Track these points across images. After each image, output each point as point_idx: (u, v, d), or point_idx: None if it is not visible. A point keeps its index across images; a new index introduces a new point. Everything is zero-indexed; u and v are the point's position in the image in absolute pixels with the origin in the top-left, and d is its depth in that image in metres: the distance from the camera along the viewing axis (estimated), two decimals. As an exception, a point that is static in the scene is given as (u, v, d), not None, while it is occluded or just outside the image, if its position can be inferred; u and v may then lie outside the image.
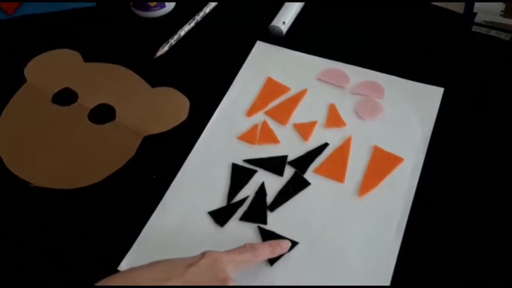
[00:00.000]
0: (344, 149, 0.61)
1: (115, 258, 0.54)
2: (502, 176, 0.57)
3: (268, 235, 0.55)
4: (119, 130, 0.64)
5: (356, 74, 0.67)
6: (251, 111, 0.65)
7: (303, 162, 0.60)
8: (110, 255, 0.54)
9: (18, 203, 0.59)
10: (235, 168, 0.60)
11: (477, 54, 0.68)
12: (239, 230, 0.56)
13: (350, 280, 0.51)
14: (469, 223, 0.54)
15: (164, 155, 0.62)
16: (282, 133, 0.63)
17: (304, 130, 0.63)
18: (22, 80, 0.70)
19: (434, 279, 0.51)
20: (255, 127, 0.64)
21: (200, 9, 0.76)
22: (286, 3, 0.75)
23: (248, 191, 0.58)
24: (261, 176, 0.59)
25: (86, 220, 0.57)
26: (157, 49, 0.72)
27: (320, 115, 0.64)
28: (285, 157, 0.61)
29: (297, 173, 0.59)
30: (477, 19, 0.69)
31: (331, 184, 0.58)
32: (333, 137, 0.62)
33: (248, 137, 0.63)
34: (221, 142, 0.63)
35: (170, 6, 0.77)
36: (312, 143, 0.62)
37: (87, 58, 0.72)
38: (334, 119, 0.64)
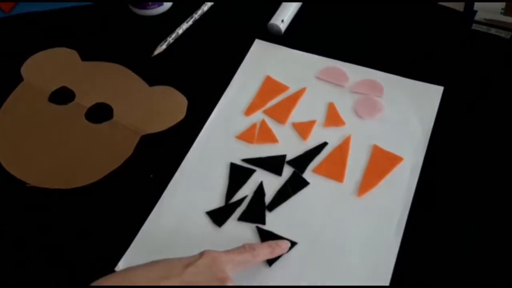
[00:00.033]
0: (343, 148, 0.60)
1: (113, 258, 0.54)
2: (502, 175, 0.57)
3: (266, 236, 0.55)
4: (116, 129, 0.64)
5: (355, 73, 0.67)
6: (249, 110, 0.65)
7: (302, 161, 0.60)
8: (108, 255, 0.54)
9: (15, 203, 0.59)
10: (233, 167, 0.60)
11: (477, 52, 0.68)
12: (237, 230, 0.55)
13: (350, 280, 0.51)
14: (469, 222, 0.54)
15: (162, 155, 0.62)
16: (280, 132, 0.63)
17: (303, 129, 0.63)
18: (18, 79, 0.70)
19: (434, 279, 0.51)
20: (253, 126, 0.63)
21: (198, 7, 0.76)
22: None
23: (247, 190, 0.58)
24: (260, 176, 0.59)
25: (84, 220, 0.57)
26: (155, 48, 0.72)
27: (319, 114, 0.64)
28: (284, 156, 0.61)
29: (295, 173, 0.59)
30: (477, 17, 0.69)
31: (330, 183, 0.58)
32: (332, 136, 0.62)
33: (246, 136, 0.63)
34: (219, 141, 0.62)
35: (168, 4, 0.77)
36: (311, 143, 0.61)
37: (85, 56, 0.72)
38: (333, 118, 0.63)
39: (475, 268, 0.51)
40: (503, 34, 0.69)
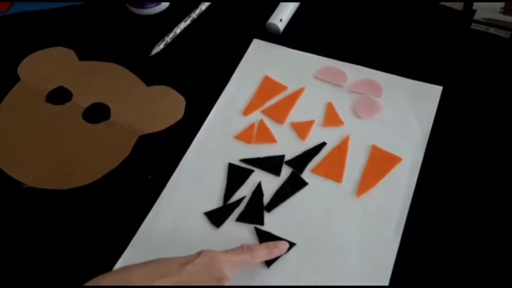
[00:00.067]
0: (342, 148, 0.60)
1: (111, 259, 0.53)
2: (501, 175, 0.57)
3: (265, 236, 0.54)
4: (114, 130, 0.64)
5: (354, 73, 0.67)
6: (247, 110, 0.65)
7: (301, 161, 0.60)
8: (106, 255, 0.54)
9: (13, 204, 0.59)
10: (232, 168, 0.60)
11: (476, 52, 0.68)
12: (236, 231, 0.55)
13: (349, 281, 0.51)
14: (468, 223, 0.54)
15: (160, 155, 0.62)
16: (279, 132, 0.62)
17: (302, 129, 0.62)
18: (15, 79, 0.70)
19: (433, 279, 0.51)
20: (251, 126, 0.63)
21: (196, 6, 0.76)
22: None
23: (245, 191, 0.58)
24: (258, 176, 0.59)
25: (82, 221, 0.57)
26: (152, 47, 0.71)
27: (317, 114, 0.64)
28: (282, 156, 0.60)
29: (294, 173, 0.59)
30: (476, 16, 0.69)
31: (328, 184, 0.58)
32: (331, 136, 0.61)
33: (244, 136, 0.62)
34: (217, 141, 0.62)
35: (165, 3, 0.77)
36: (309, 143, 0.61)
37: (82, 56, 0.72)
38: (331, 118, 0.63)
39: (474, 268, 0.51)
40: (502, 33, 0.69)
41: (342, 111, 0.63)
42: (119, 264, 0.53)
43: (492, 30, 0.69)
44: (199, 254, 0.47)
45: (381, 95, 0.64)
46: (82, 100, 0.67)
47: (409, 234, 0.53)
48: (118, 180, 0.60)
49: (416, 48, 0.69)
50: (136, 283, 0.44)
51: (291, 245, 0.53)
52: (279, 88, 0.66)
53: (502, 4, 0.66)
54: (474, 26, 0.70)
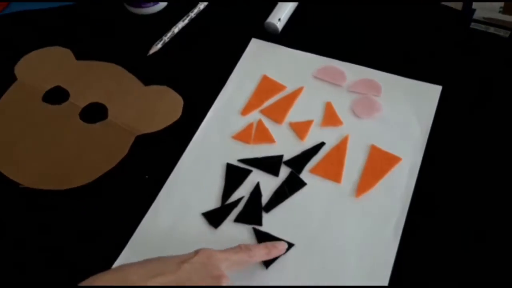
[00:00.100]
0: (340, 148, 0.60)
1: (109, 259, 0.53)
2: (501, 175, 0.57)
3: (263, 237, 0.54)
4: (111, 129, 0.63)
5: (353, 72, 0.66)
6: (246, 110, 0.64)
7: (299, 161, 0.59)
8: (104, 255, 0.53)
9: (9, 204, 0.59)
10: (230, 168, 0.59)
11: (475, 51, 0.68)
12: (234, 232, 0.55)
13: (348, 281, 0.51)
14: (467, 223, 0.54)
15: (157, 155, 0.61)
16: (277, 132, 0.62)
17: (300, 129, 0.62)
18: (12, 78, 0.69)
19: (433, 279, 0.51)
20: (250, 126, 0.63)
21: (194, 5, 0.75)
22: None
23: (243, 191, 0.58)
24: (256, 176, 0.59)
25: (79, 221, 0.57)
26: (150, 47, 0.71)
27: (316, 114, 0.63)
28: (281, 156, 0.60)
29: (293, 173, 0.58)
30: (476, 15, 0.68)
31: (327, 184, 0.57)
32: (330, 136, 0.61)
33: (243, 136, 0.62)
34: (215, 141, 0.62)
35: (163, 2, 0.76)
36: (308, 143, 0.61)
37: (79, 56, 0.71)
38: (330, 117, 0.63)
39: (474, 268, 0.51)
40: (501, 32, 0.68)
41: (341, 111, 0.63)
42: (116, 265, 0.53)
43: (491, 30, 0.69)
44: (196, 252, 0.47)
45: (380, 94, 0.64)
46: (79, 99, 0.67)
47: (408, 234, 0.53)
48: (115, 181, 0.59)
49: (416, 47, 0.69)
50: (133, 282, 0.43)
51: (290, 245, 0.53)
52: (278, 87, 0.66)
53: (501, 4, 0.66)
54: (473, 25, 0.70)
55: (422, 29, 0.71)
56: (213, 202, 0.57)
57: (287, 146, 0.61)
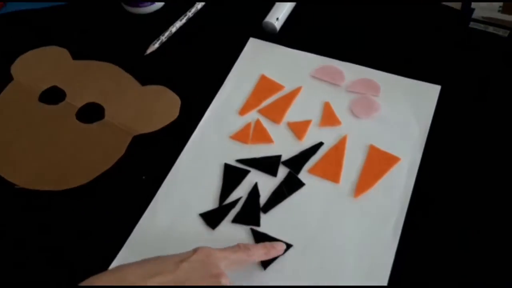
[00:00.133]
0: (339, 148, 0.60)
1: (107, 259, 0.53)
2: (500, 175, 0.57)
3: (261, 238, 0.54)
4: (108, 130, 0.63)
5: (352, 72, 0.66)
6: (244, 110, 0.64)
7: (297, 162, 0.59)
8: (102, 255, 0.53)
9: (6, 205, 0.58)
10: (228, 168, 0.59)
11: (474, 51, 0.67)
12: (231, 233, 0.54)
13: (347, 282, 0.50)
14: (466, 223, 0.54)
15: (154, 155, 0.61)
16: (275, 132, 0.62)
17: (298, 129, 0.62)
18: (8, 78, 0.69)
19: (432, 279, 0.50)
20: (248, 126, 0.62)
21: (192, 5, 0.75)
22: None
23: (241, 192, 0.57)
24: (254, 177, 0.58)
25: (76, 221, 0.57)
26: (147, 46, 0.71)
27: (314, 114, 0.63)
28: (279, 157, 0.60)
29: (291, 174, 0.58)
30: (475, 15, 0.68)
31: (326, 184, 0.57)
32: (328, 136, 0.61)
33: (240, 136, 0.62)
34: (213, 141, 0.62)
35: (160, 2, 0.76)
36: (306, 143, 0.61)
37: (76, 55, 0.71)
38: (329, 117, 0.62)
39: (473, 268, 0.51)
40: (500, 32, 0.68)
41: (340, 111, 0.63)
42: (114, 265, 0.53)
43: (490, 29, 0.69)
44: (195, 251, 0.46)
45: (379, 94, 0.64)
46: (76, 99, 0.66)
47: (407, 234, 0.53)
48: (112, 181, 0.59)
49: (414, 47, 0.69)
50: (131, 282, 0.43)
51: (288, 246, 0.53)
52: (276, 87, 0.66)
53: (500, 3, 0.66)
54: (472, 24, 0.69)
55: (421, 28, 0.71)
56: (210, 202, 0.57)
57: (285, 146, 0.60)
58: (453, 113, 0.62)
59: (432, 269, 0.51)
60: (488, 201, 0.55)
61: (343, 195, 0.56)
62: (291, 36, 0.71)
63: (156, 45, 0.71)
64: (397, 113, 0.62)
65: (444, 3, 0.72)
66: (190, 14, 0.74)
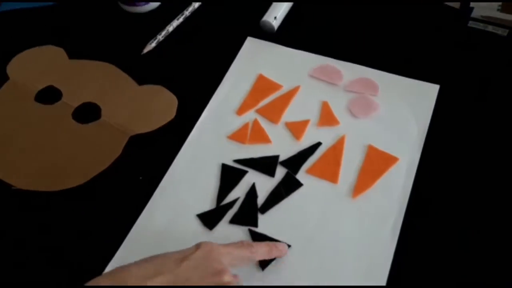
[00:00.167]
0: (337, 148, 0.59)
1: (104, 259, 0.53)
2: (499, 175, 0.57)
3: (259, 238, 0.53)
4: (104, 130, 0.63)
5: (350, 71, 0.66)
6: (241, 110, 0.64)
7: (295, 162, 0.59)
8: (100, 256, 0.53)
9: (2, 205, 0.58)
10: (225, 168, 0.59)
11: (473, 50, 0.67)
12: (229, 233, 0.54)
13: (345, 282, 0.50)
14: (465, 223, 0.54)
15: (151, 156, 0.61)
16: (273, 132, 0.62)
17: (296, 129, 0.61)
18: (4, 78, 0.69)
19: (431, 279, 0.50)
20: (245, 126, 0.62)
21: (189, 3, 0.75)
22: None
23: (239, 192, 0.57)
24: (252, 177, 0.58)
25: (73, 221, 0.56)
26: (144, 46, 0.71)
27: (312, 113, 0.63)
28: (277, 157, 0.59)
29: (289, 174, 0.58)
30: (474, 14, 0.68)
31: (324, 184, 0.57)
32: (326, 136, 0.61)
33: (238, 136, 0.61)
34: (211, 141, 0.61)
35: (157, 1, 0.76)
36: (304, 143, 0.60)
37: (72, 55, 0.71)
38: (327, 117, 0.62)
39: (472, 268, 0.51)
40: (500, 31, 0.68)
41: (338, 111, 0.63)
42: (110, 265, 0.52)
43: (490, 28, 0.68)
44: (198, 247, 0.46)
45: (377, 94, 0.64)
46: (72, 99, 0.66)
47: (406, 234, 0.53)
48: (109, 181, 0.59)
49: (413, 46, 0.68)
50: (132, 283, 0.42)
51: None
52: (274, 87, 0.66)
53: (499, 2, 0.66)
54: (471, 24, 0.69)
55: (419, 27, 0.70)
56: (208, 203, 0.56)
57: (283, 146, 0.60)
58: (452, 113, 0.61)
59: (430, 269, 0.51)
60: (487, 201, 0.55)
61: (341, 195, 0.56)
62: (289, 35, 0.71)
63: (153, 44, 0.71)
64: (395, 113, 0.62)
65: (444, 3, 0.72)
66: (187, 13, 0.74)
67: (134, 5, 0.74)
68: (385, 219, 0.54)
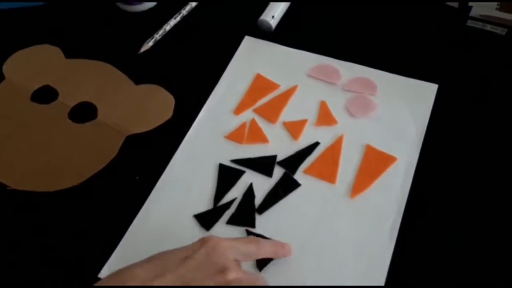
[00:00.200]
0: (335, 148, 0.59)
1: (102, 259, 0.53)
2: (498, 175, 0.56)
3: (256, 239, 0.53)
4: (101, 129, 0.62)
5: (348, 70, 0.66)
6: (239, 109, 0.63)
7: (293, 162, 0.59)
8: (95, 257, 0.53)
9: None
10: (222, 168, 0.58)
11: (472, 49, 0.67)
12: (226, 234, 0.53)
13: (344, 282, 0.50)
14: (464, 223, 0.53)
15: (148, 155, 0.60)
16: (271, 132, 0.61)
17: (294, 128, 0.61)
18: (0, 77, 0.68)
19: (429, 279, 0.50)
20: (243, 125, 0.62)
21: (187, 2, 0.75)
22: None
23: (236, 193, 0.57)
24: (249, 177, 0.58)
25: (68, 222, 0.56)
26: (141, 45, 0.70)
27: (310, 113, 0.63)
28: (274, 157, 0.59)
29: (286, 174, 0.58)
30: (472, 13, 0.68)
31: (322, 185, 0.57)
32: (324, 136, 0.60)
33: (235, 136, 0.61)
34: (208, 141, 0.61)
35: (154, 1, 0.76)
36: (302, 142, 0.60)
37: (68, 54, 0.70)
38: (325, 117, 0.62)
39: (470, 269, 0.51)
40: (498, 30, 0.68)
41: (336, 110, 0.62)
42: (104, 270, 0.52)
43: (488, 27, 0.68)
44: (202, 243, 0.44)
45: (376, 93, 0.63)
46: (69, 99, 0.66)
47: (404, 235, 0.53)
48: (105, 181, 0.58)
49: (411, 45, 0.68)
50: (135, 283, 0.42)
51: (284, 247, 0.52)
52: (271, 86, 0.65)
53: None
54: (470, 23, 0.69)
55: (418, 27, 0.70)
56: (205, 203, 0.56)
57: (281, 146, 0.60)
58: (451, 112, 0.61)
59: (429, 269, 0.51)
60: (485, 201, 0.55)
61: (340, 195, 0.56)
62: (287, 34, 0.70)
63: (150, 43, 0.70)
64: (394, 112, 0.62)
65: (446, 3, 0.72)
66: (184, 12, 0.74)
67: (131, 4, 0.74)
68: (384, 219, 0.54)
